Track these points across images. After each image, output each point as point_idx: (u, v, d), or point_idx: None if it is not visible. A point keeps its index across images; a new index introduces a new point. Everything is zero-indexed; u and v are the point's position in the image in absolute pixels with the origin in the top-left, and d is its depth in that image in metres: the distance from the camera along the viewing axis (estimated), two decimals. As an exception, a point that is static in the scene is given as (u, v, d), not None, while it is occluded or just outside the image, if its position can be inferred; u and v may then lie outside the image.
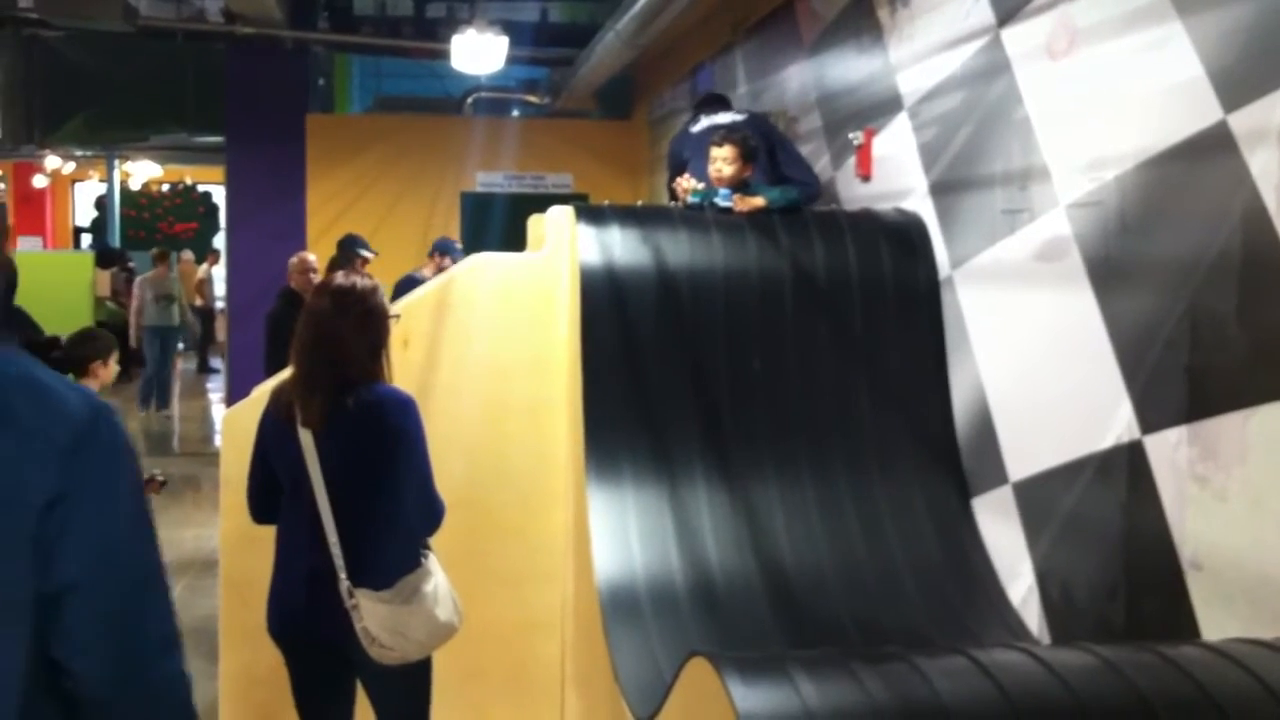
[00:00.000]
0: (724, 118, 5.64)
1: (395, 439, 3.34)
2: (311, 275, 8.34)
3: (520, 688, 4.48)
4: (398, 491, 3.36)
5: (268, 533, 4.60)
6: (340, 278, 3.53)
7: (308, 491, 3.29)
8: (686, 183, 5.13)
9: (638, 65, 10.16)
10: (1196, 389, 3.09)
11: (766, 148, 5.26)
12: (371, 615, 3.25)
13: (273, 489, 3.48)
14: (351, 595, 3.25)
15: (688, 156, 5.59)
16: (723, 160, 4.94)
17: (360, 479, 3.32)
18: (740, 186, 4.90)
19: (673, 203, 5.35)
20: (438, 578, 3.43)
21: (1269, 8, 2.89)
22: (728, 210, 4.80)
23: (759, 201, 4.79)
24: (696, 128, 5.72)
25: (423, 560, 3.42)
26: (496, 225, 10.97)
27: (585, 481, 4.27)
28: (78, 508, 1.68)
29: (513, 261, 4.66)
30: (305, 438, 3.25)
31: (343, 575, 3.27)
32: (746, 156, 4.95)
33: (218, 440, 5.01)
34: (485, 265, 4.72)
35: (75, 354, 5.38)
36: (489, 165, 11.58)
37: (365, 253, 8.80)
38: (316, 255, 8.70)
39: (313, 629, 3.40)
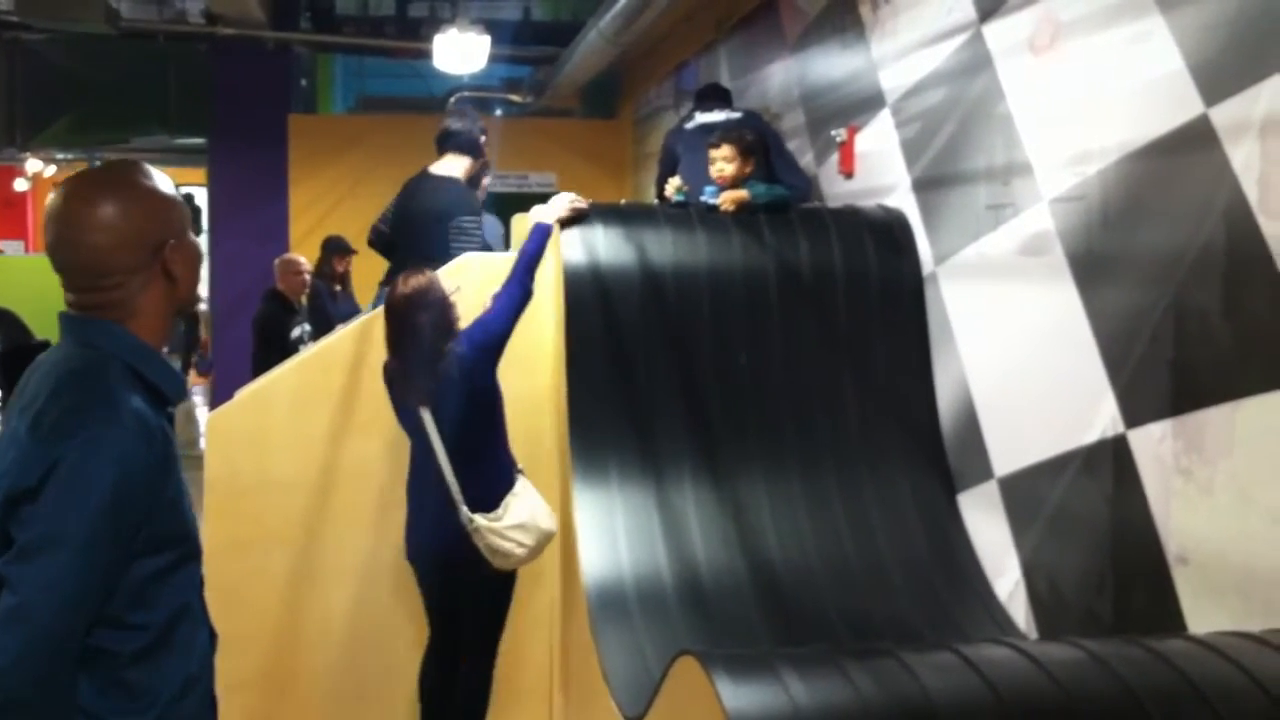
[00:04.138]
0: (718, 115, 5.61)
1: (488, 392, 4.12)
2: (304, 276, 8.32)
3: (509, 688, 4.48)
4: (494, 433, 4.15)
5: (253, 535, 4.61)
6: (402, 280, 4.08)
7: (428, 445, 3.99)
8: (673, 185, 5.12)
9: (621, 63, 10.15)
10: (1181, 383, 3.09)
11: (763, 147, 5.24)
12: (490, 533, 3.97)
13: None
14: (471, 521, 3.95)
15: (680, 152, 5.57)
16: (723, 160, 4.92)
17: (465, 428, 4.03)
18: (741, 185, 4.88)
19: (659, 201, 5.33)
20: (530, 492, 4.15)
21: (1249, 2, 2.89)
22: (714, 208, 4.79)
23: (743, 194, 4.78)
24: (691, 124, 5.71)
25: (516, 478, 4.14)
26: (481, 224, 10.93)
27: (571, 480, 4.26)
28: (31, 509, 1.84)
29: (497, 260, 4.65)
30: (424, 411, 3.98)
31: (463, 508, 3.95)
32: (746, 153, 4.93)
33: (202, 443, 5.00)
34: (470, 264, 4.70)
35: None
36: (472, 164, 11.54)
37: (342, 253, 8.77)
38: (305, 257, 8.67)
39: (441, 552, 4.11)
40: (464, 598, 4.22)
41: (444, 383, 3.97)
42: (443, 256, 4.96)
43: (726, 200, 4.77)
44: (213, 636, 2.17)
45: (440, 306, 4.02)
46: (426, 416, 3.98)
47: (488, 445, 4.13)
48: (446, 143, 5.60)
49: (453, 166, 5.53)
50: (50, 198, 2.03)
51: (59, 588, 1.81)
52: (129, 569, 1.90)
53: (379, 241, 5.91)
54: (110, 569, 1.87)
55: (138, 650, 1.93)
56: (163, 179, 2.07)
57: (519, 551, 4.05)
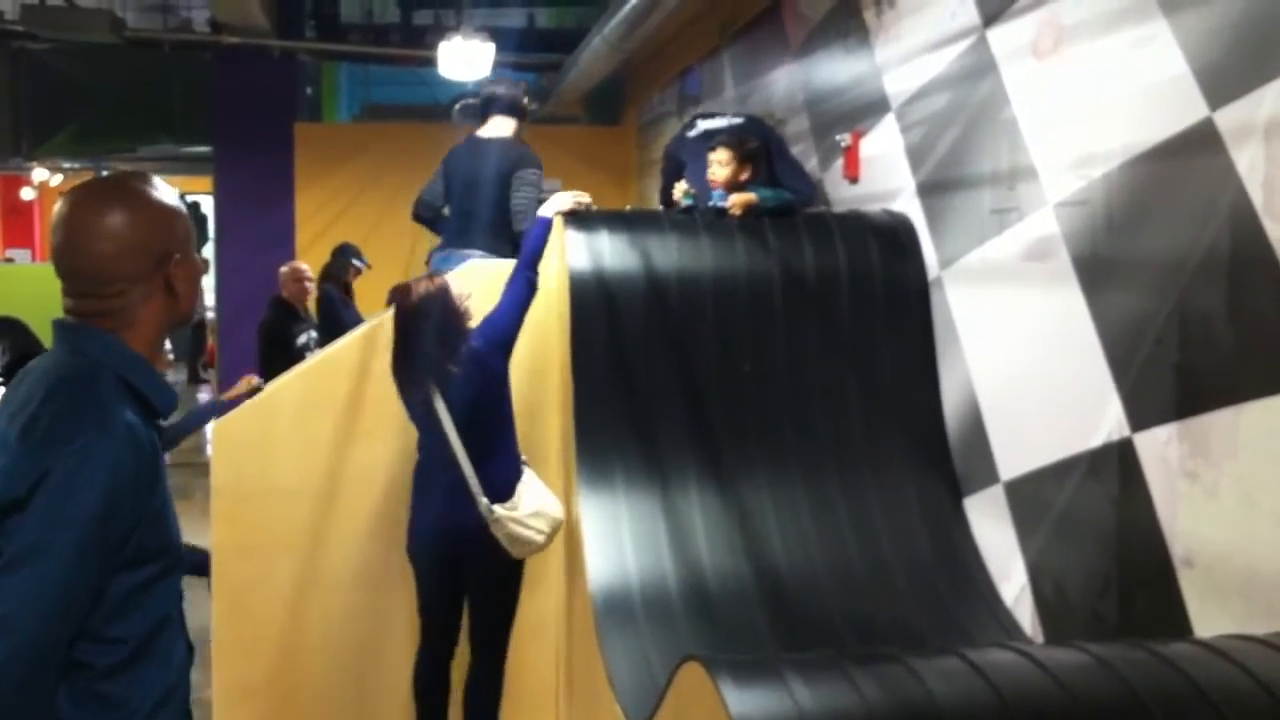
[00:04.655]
0: (720, 122, 5.63)
1: (499, 384, 4.20)
2: (306, 284, 8.33)
3: (514, 693, 4.47)
4: (506, 425, 4.24)
5: (260, 542, 4.62)
6: (415, 285, 4.15)
7: (439, 438, 4.05)
8: (680, 188, 5.12)
9: (625, 70, 10.16)
10: (1186, 386, 3.09)
11: (765, 152, 5.25)
12: (510, 522, 4.06)
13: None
14: (491, 512, 4.03)
15: (685, 160, 5.57)
16: (718, 164, 4.95)
17: (479, 421, 4.10)
18: (737, 188, 4.89)
19: (668, 208, 5.31)
20: (537, 481, 4.25)
21: (1253, 4, 2.89)
22: (723, 211, 4.78)
23: (751, 197, 4.78)
24: (693, 133, 5.71)
25: (522, 468, 4.23)
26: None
27: (576, 486, 4.26)
28: (19, 519, 1.82)
29: (501, 267, 4.65)
30: (437, 398, 4.03)
31: (483, 498, 4.02)
32: (742, 159, 4.95)
33: (209, 450, 5.00)
34: (474, 270, 4.71)
35: None
36: (477, 171, 11.54)
37: (358, 263, 8.79)
38: (309, 264, 8.66)
39: (454, 543, 4.15)
40: (475, 589, 4.26)
41: (460, 377, 4.04)
42: (505, 214, 5.00)
43: (735, 203, 4.77)
44: (189, 648, 2.16)
45: (452, 313, 4.09)
46: (441, 410, 4.03)
47: (500, 437, 4.20)
48: (492, 107, 5.63)
49: (502, 128, 5.56)
50: (58, 205, 2.04)
51: (45, 599, 1.80)
52: (112, 582, 1.89)
53: (426, 214, 5.83)
54: (96, 580, 1.86)
55: (115, 664, 1.92)
56: (169, 191, 2.08)
57: (539, 539, 4.14)
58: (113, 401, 1.91)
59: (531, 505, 4.15)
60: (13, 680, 1.78)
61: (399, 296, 4.15)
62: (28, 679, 1.80)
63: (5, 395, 2.00)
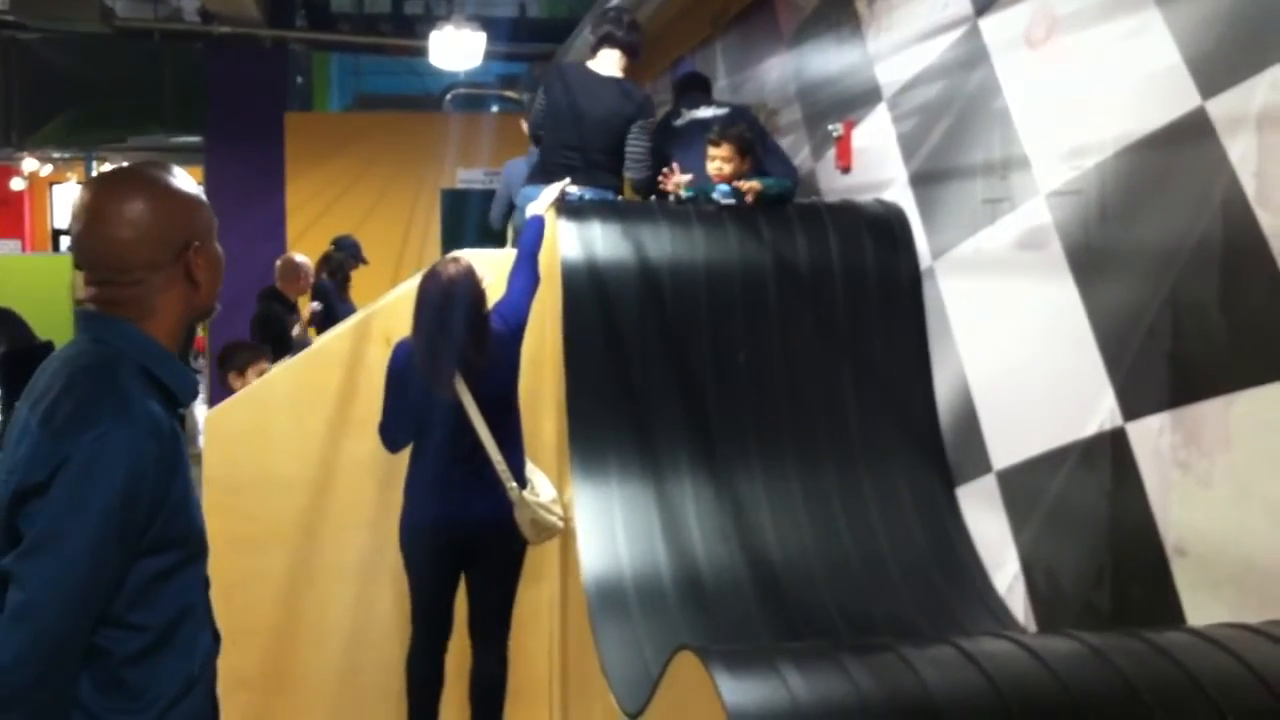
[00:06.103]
0: (707, 112, 5.56)
1: (517, 371, 4.29)
2: (310, 279, 8.26)
3: (510, 685, 4.47)
4: (517, 410, 4.29)
5: (251, 533, 4.61)
6: (443, 267, 4.14)
7: (453, 424, 4.07)
8: (676, 178, 5.03)
9: (617, 60, 10.12)
10: (1179, 376, 3.09)
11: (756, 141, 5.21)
12: (537, 507, 4.15)
13: (408, 424, 4.22)
14: (522, 500, 4.10)
15: (671, 151, 5.45)
16: (722, 159, 4.87)
17: (499, 405, 4.16)
18: (738, 179, 4.87)
19: (669, 197, 5.21)
20: (536, 469, 4.33)
21: (1245, -6, 2.89)
22: (729, 206, 4.75)
23: (757, 185, 4.77)
24: (679, 121, 5.64)
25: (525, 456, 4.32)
26: (476, 222, 10.94)
27: (570, 477, 4.26)
28: (39, 504, 1.83)
29: (494, 258, 4.65)
30: (460, 383, 4.04)
31: (512, 483, 4.09)
32: (744, 151, 4.92)
33: (201, 441, 5.00)
34: (474, 259, 4.70)
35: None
36: (469, 162, 11.53)
37: (358, 261, 8.75)
38: (307, 257, 8.57)
39: (471, 527, 4.16)
40: (483, 579, 4.29)
41: (490, 366, 4.10)
42: (614, 156, 5.08)
43: (747, 189, 4.74)
44: (216, 637, 2.17)
45: (478, 297, 4.10)
46: (465, 395, 4.05)
47: (513, 422, 4.27)
48: (608, 39, 5.50)
49: (612, 65, 5.45)
50: (79, 191, 2.05)
51: (65, 585, 1.80)
52: (133, 568, 1.90)
53: (537, 133, 5.68)
54: (117, 567, 1.87)
55: (137, 651, 1.92)
56: (190, 181, 2.10)
57: (560, 524, 4.22)
58: (133, 389, 1.92)
59: (548, 492, 4.24)
60: (33, 668, 1.79)
61: (427, 279, 4.15)
62: (49, 664, 1.80)
63: (30, 383, 2.00)
